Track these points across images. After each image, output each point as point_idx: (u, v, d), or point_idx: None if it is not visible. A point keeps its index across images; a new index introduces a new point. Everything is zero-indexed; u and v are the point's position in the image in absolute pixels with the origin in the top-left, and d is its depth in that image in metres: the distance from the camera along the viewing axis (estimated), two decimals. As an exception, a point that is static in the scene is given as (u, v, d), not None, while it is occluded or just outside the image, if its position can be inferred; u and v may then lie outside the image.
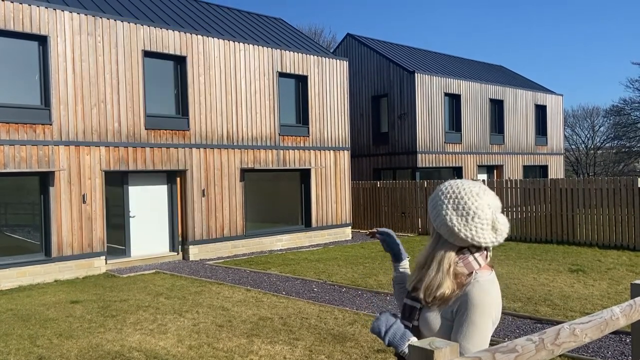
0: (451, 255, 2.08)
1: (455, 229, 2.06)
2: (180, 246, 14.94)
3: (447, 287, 2.04)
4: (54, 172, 12.49)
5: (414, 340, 2.03)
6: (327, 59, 18.39)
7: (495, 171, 25.96)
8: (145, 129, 14.00)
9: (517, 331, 7.35)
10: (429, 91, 22.68)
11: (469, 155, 24.23)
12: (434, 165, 22.85)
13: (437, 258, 2.10)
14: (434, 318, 2.08)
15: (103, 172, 13.28)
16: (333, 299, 9.57)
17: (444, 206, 2.10)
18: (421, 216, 19.37)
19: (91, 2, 14.09)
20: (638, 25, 78.88)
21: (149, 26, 14.21)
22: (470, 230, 2.06)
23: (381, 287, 10.40)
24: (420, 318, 2.12)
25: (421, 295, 2.10)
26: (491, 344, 1.99)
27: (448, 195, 2.11)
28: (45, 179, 12.56)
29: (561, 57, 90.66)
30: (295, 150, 17.29)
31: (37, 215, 12.63)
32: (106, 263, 13.35)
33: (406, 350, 2.02)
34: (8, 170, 11.89)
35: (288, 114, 17.35)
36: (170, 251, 14.88)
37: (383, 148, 23.44)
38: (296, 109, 17.67)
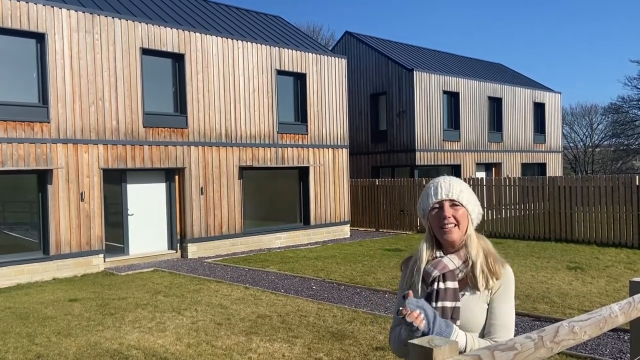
0: None
1: (480, 209, 2.33)
2: (178, 244, 14.92)
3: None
4: (52, 170, 12.47)
5: (455, 327, 2.09)
6: (325, 56, 18.36)
7: (493, 169, 25.96)
8: (144, 126, 13.97)
9: (516, 329, 7.34)
10: (427, 89, 22.66)
11: (467, 153, 24.22)
12: (433, 163, 22.84)
13: (482, 241, 2.29)
14: (475, 305, 2.19)
15: (101, 170, 13.25)
16: (332, 297, 9.57)
17: (474, 196, 2.31)
18: (420, 214, 19.31)
19: (89, -1, 14.06)
20: (636, 24, 78.95)
21: (146, 24, 14.17)
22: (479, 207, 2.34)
23: (380, 285, 10.41)
24: (461, 315, 2.17)
25: (484, 280, 2.20)
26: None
27: (467, 186, 2.33)
28: (43, 177, 12.53)
29: (560, 56, 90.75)
30: (294, 148, 17.27)
31: (35, 213, 12.60)
32: (104, 261, 13.33)
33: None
34: (6, 168, 11.86)
35: (286, 112, 17.32)
36: (168, 249, 14.87)
37: (382, 146, 23.42)
38: (295, 107, 17.64)
